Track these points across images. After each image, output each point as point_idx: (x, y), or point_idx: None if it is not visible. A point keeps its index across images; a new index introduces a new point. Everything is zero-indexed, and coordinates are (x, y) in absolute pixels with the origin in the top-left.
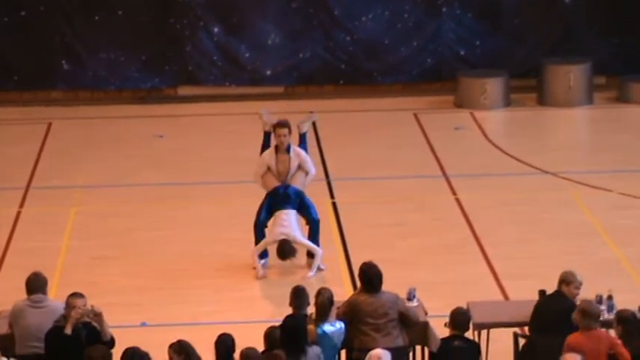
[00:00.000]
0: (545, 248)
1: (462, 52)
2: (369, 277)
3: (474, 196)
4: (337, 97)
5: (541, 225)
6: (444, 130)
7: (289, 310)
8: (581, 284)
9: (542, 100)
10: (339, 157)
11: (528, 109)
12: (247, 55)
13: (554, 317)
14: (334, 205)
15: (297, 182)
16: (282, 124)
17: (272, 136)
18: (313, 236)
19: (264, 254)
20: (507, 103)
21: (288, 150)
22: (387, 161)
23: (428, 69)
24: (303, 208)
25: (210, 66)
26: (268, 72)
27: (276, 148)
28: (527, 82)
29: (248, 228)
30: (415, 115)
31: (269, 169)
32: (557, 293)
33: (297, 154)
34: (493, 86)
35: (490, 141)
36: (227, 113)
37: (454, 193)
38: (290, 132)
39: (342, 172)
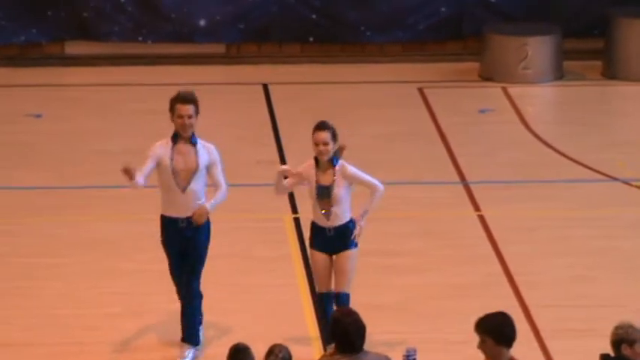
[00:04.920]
0: (611, 291)
1: None
2: (346, 331)
3: (506, 214)
4: (304, 61)
5: (605, 257)
6: (464, 113)
7: None
8: None
9: (611, 71)
10: (305, 152)
11: (590, 85)
12: None
13: None
14: (297, 221)
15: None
16: (185, 98)
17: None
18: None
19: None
20: (559, 74)
21: (192, 141)
22: (377, 160)
23: (440, 22)
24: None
25: (115, 12)
26: (202, 22)
27: (174, 137)
28: (589, 43)
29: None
30: (421, 90)
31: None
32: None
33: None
34: (537, 49)
35: (532, 131)
36: (139, 83)
37: (477, 209)
38: (197, 111)
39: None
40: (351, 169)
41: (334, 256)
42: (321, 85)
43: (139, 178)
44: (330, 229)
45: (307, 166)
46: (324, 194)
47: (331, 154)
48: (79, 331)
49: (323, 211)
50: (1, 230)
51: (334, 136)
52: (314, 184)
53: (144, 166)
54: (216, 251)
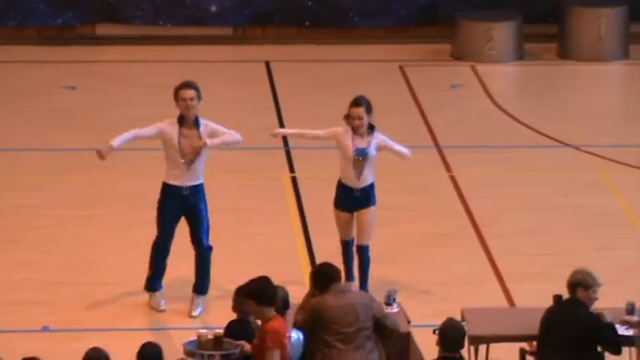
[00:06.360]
0: (564, 242)
1: None
2: (319, 271)
3: (474, 174)
4: (301, 42)
5: (559, 212)
6: (438, 88)
7: (234, 316)
8: (599, 286)
9: (564, 53)
10: (301, 120)
11: (546, 64)
12: None
13: (569, 332)
14: (294, 180)
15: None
16: (188, 85)
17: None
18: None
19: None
20: (519, 55)
21: (196, 123)
22: None
23: (419, 9)
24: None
25: None
26: (213, 8)
27: (180, 118)
28: (546, 28)
29: None
30: (401, 67)
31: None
32: (572, 301)
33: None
34: (501, 33)
35: (496, 104)
36: (160, 60)
37: (448, 170)
38: (199, 96)
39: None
40: (384, 139)
41: (356, 213)
42: (316, 63)
43: (116, 141)
44: (357, 190)
45: (344, 131)
46: (360, 155)
47: (366, 125)
48: (109, 273)
49: (355, 172)
50: (39, 187)
51: (368, 110)
52: (351, 148)
53: (142, 129)
54: (219, 206)
